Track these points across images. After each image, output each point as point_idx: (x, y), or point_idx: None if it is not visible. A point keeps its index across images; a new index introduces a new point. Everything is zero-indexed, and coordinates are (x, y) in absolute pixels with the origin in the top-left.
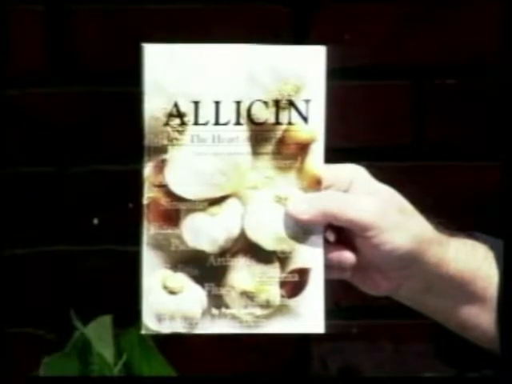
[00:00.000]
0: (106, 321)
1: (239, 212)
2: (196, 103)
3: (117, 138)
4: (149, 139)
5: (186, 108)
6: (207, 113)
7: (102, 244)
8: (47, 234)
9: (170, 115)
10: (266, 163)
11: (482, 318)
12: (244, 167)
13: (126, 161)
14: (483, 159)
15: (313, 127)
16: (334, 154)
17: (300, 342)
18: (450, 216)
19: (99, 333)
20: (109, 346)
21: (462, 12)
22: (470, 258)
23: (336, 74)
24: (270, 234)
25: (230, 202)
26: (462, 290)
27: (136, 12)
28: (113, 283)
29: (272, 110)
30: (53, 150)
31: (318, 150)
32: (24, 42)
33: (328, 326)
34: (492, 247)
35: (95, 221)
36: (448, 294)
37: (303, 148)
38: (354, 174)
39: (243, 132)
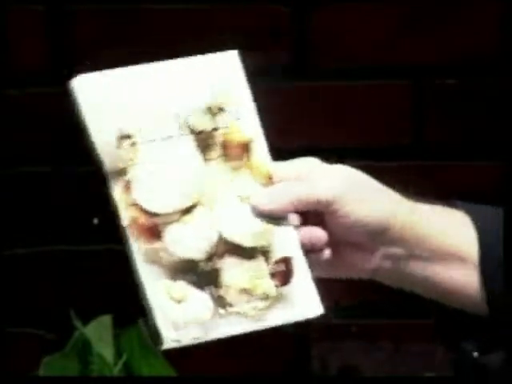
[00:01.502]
0: (105, 321)
1: (210, 217)
2: (139, 123)
3: None
4: (108, 164)
5: (131, 129)
6: (152, 130)
7: (102, 244)
8: (47, 234)
9: (120, 138)
10: (219, 167)
11: (467, 281)
12: (201, 174)
13: None
14: (483, 159)
15: (247, 128)
16: (334, 154)
17: (300, 342)
18: None
19: (99, 333)
20: (109, 346)
21: (462, 12)
22: (447, 224)
23: (336, 73)
24: (244, 232)
25: (199, 209)
26: (445, 254)
27: (136, 12)
28: (113, 283)
29: (207, 117)
30: (52, 149)
31: (259, 148)
32: (24, 42)
33: (328, 325)
34: (468, 211)
35: (95, 221)
36: (431, 258)
37: (245, 148)
38: (309, 164)
39: (189, 142)
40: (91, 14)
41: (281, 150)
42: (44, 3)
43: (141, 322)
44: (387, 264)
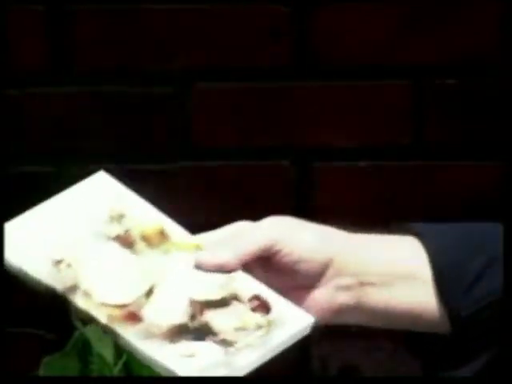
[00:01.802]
0: None
1: (172, 289)
2: (63, 247)
3: (116, 137)
4: (58, 288)
5: (60, 254)
6: (77, 248)
7: None
8: None
9: (55, 264)
10: (151, 253)
11: (424, 302)
12: (140, 263)
13: (126, 160)
14: (483, 159)
15: (151, 219)
16: (334, 154)
17: (300, 341)
18: (450, 216)
19: (99, 333)
20: (109, 346)
21: (462, 12)
22: (394, 250)
23: (336, 73)
24: (208, 289)
25: (158, 289)
26: (395, 278)
27: (136, 12)
28: None
29: (115, 224)
30: (53, 149)
31: (173, 229)
32: (24, 42)
33: (328, 325)
34: (420, 233)
35: None
36: (383, 284)
37: (162, 234)
38: (238, 226)
39: (114, 245)
40: (91, 14)
41: (281, 150)
42: (44, 3)
43: None
44: (342, 297)
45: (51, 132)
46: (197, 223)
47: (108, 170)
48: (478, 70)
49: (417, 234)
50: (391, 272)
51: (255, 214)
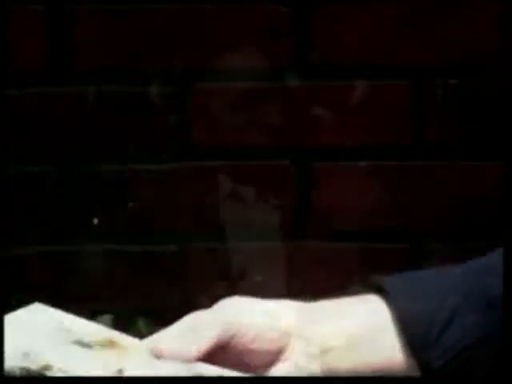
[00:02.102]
0: (105, 321)
1: (140, 371)
2: (29, 343)
3: (117, 137)
4: (34, 367)
5: (26, 348)
6: (41, 343)
7: (101, 244)
8: (47, 234)
9: (23, 355)
10: (110, 352)
11: (391, 355)
12: (104, 358)
13: (125, 161)
14: (483, 159)
15: (98, 331)
16: (334, 154)
17: None
18: (450, 216)
19: None
20: None
21: (462, 12)
22: (355, 310)
23: (336, 73)
24: (174, 371)
25: (127, 372)
26: (358, 337)
27: (136, 12)
28: (112, 283)
29: (65, 333)
30: (53, 149)
31: (122, 337)
32: (24, 42)
33: None
34: (379, 289)
35: (95, 221)
36: (351, 346)
37: (113, 342)
38: (190, 319)
39: (74, 348)
40: (91, 14)
41: (281, 150)
42: (44, 3)
43: (140, 321)
44: (308, 368)
45: (51, 132)
46: (197, 223)
47: (108, 170)
48: (478, 69)
49: (378, 289)
50: (354, 333)
51: (255, 214)
